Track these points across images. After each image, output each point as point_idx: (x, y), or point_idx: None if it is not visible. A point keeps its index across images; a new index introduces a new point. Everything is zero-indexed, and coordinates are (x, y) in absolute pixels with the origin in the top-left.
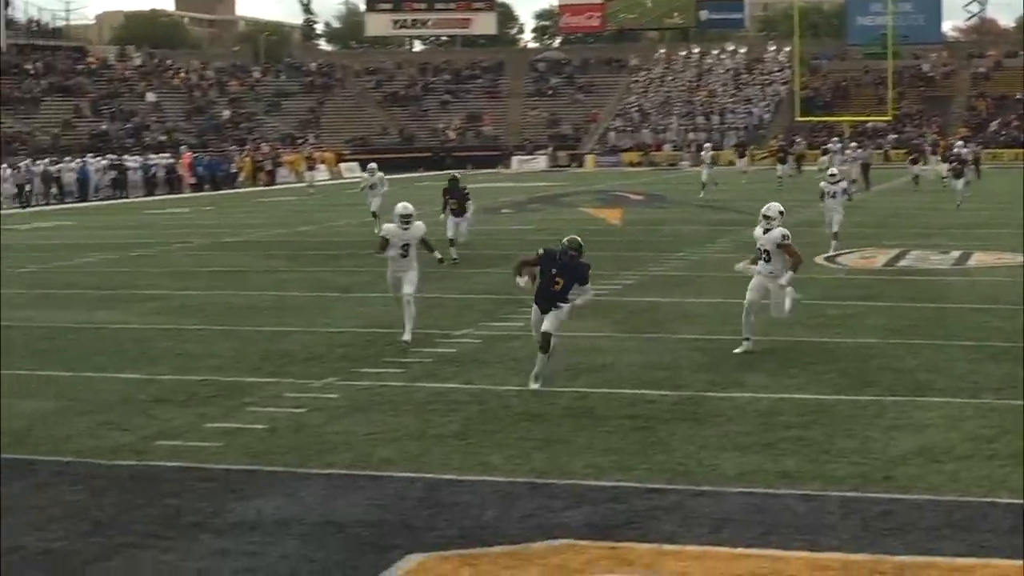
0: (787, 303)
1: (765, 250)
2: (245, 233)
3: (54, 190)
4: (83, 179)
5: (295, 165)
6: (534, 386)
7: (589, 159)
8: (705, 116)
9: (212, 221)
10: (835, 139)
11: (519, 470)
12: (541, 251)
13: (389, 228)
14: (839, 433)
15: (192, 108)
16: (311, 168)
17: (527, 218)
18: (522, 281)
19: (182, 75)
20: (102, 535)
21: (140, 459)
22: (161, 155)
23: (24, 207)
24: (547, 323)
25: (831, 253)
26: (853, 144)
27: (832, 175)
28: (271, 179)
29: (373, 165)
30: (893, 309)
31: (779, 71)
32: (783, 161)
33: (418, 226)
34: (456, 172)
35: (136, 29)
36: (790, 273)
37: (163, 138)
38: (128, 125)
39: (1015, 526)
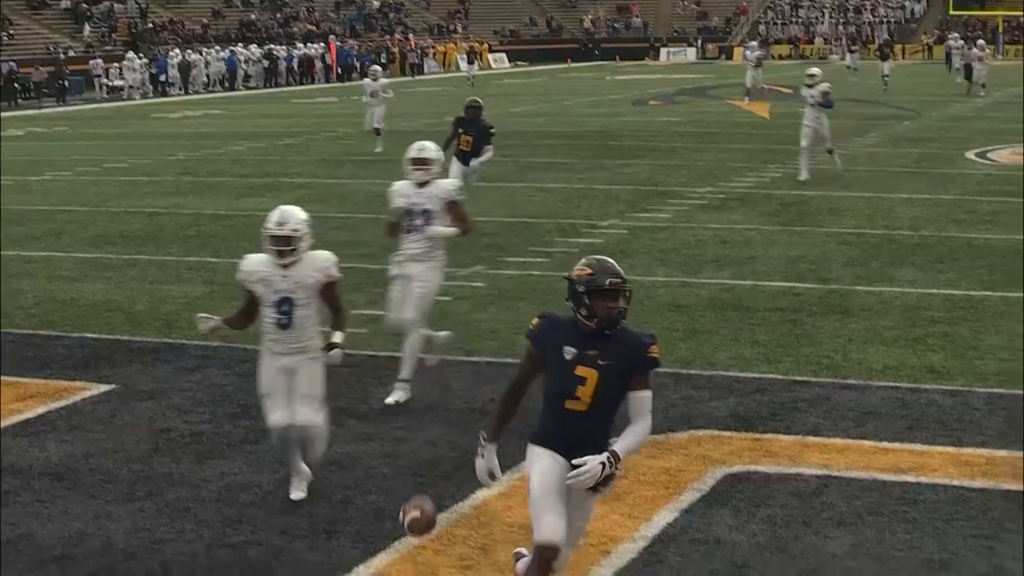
0: (439, 338)
1: (423, 211)
2: (392, 123)
3: (204, 79)
4: (231, 69)
5: (449, 55)
6: None
7: (738, 52)
8: (856, 10)
9: (359, 111)
10: (954, 35)
11: (663, 360)
12: (536, 322)
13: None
14: (987, 329)
15: None
16: (471, 61)
17: (674, 110)
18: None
19: None
20: (248, 418)
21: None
22: (309, 45)
23: (160, 96)
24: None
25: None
26: (981, 42)
27: (811, 75)
28: (419, 70)
29: (376, 68)
30: None
31: None
32: (885, 58)
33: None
34: (479, 98)
35: None
36: (441, 255)
37: (312, 28)
38: (277, 15)
39: None
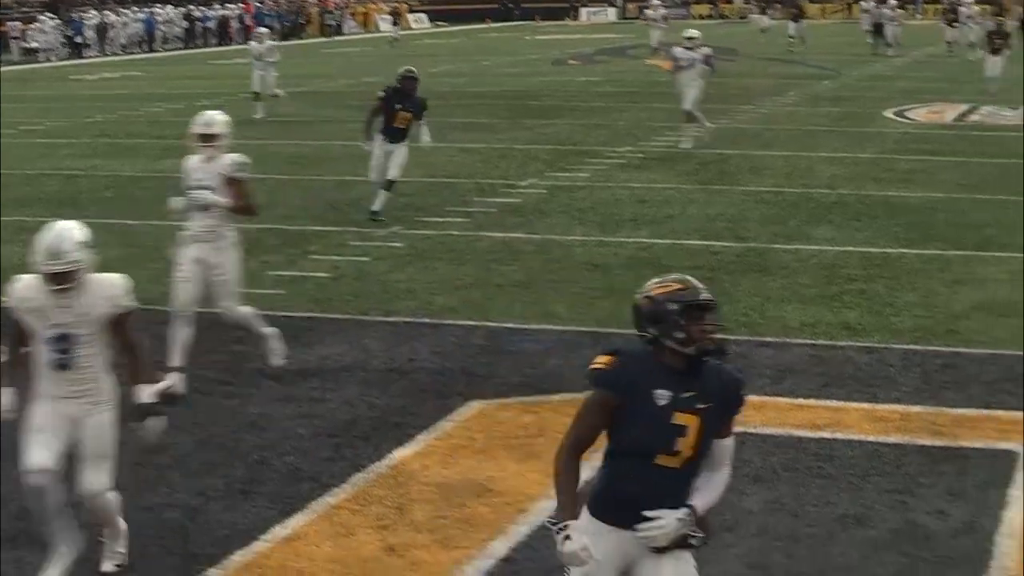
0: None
1: (205, 189)
2: (311, 83)
3: (122, 40)
4: (149, 30)
5: (369, 16)
6: None
7: None
8: None
9: (279, 71)
10: None
11: (581, 319)
12: (607, 359)
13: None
14: (903, 286)
15: None
16: (396, 22)
17: (594, 70)
18: None
19: None
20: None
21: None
22: (227, 5)
23: (76, 58)
24: None
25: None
26: (892, 2)
27: (691, 38)
28: (338, 31)
29: (263, 29)
30: (962, 164)
31: None
32: (796, 19)
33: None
34: (412, 68)
35: None
36: (230, 235)
37: None
38: None
39: None
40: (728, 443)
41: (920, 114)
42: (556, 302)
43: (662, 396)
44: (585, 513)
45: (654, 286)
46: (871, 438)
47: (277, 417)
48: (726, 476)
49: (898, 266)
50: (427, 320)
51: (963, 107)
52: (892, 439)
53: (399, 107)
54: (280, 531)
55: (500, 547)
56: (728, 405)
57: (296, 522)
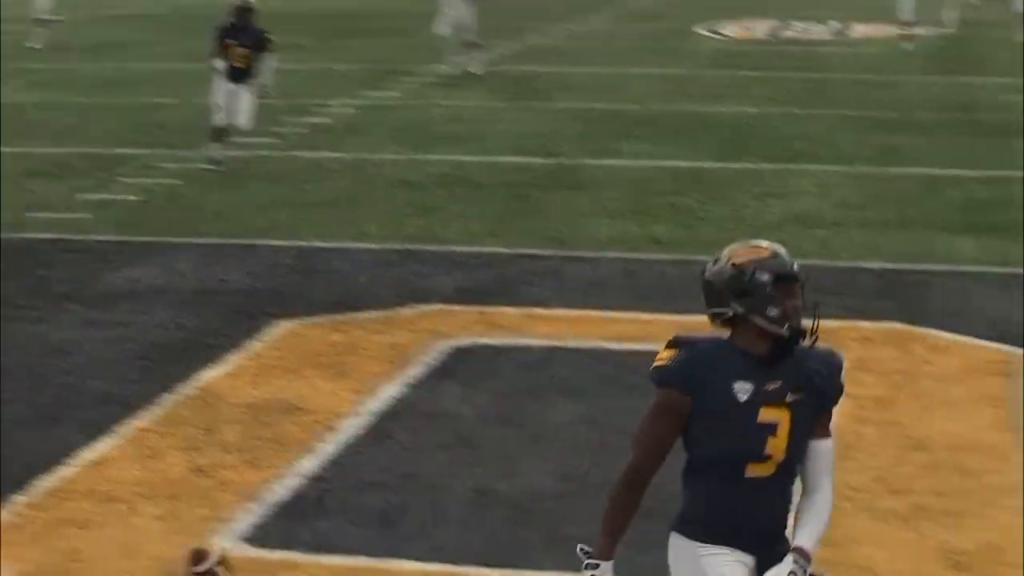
0: None
1: None
2: (124, 6)
3: None
4: None
5: None
6: None
7: None
8: None
9: None
10: None
11: (393, 237)
12: (670, 353)
13: None
14: (713, 200)
15: None
16: None
17: None
18: None
19: None
20: None
21: (11, 232)
22: None
23: None
24: None
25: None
26: None
27: None
28: None
29: None
30: (774, 79)
31: None
32: None
33: None
34: None
35: None
36: None
37: None
38: None
39: (883, 290)
40: (827, 446)
41: (732, 30)
42: (368, 221)
43: (743, 390)
44: (676, 538)
45: (737, 252)
46: None
47: (84, 341)
48: (829, 496)
49: (709, 180)
50: (237, 241)
51: (774, 22)
52: None
53: (233, 43)
54: (87, 455)
55: (310, 465)
56: (824, 395)
57: (104, 446)
